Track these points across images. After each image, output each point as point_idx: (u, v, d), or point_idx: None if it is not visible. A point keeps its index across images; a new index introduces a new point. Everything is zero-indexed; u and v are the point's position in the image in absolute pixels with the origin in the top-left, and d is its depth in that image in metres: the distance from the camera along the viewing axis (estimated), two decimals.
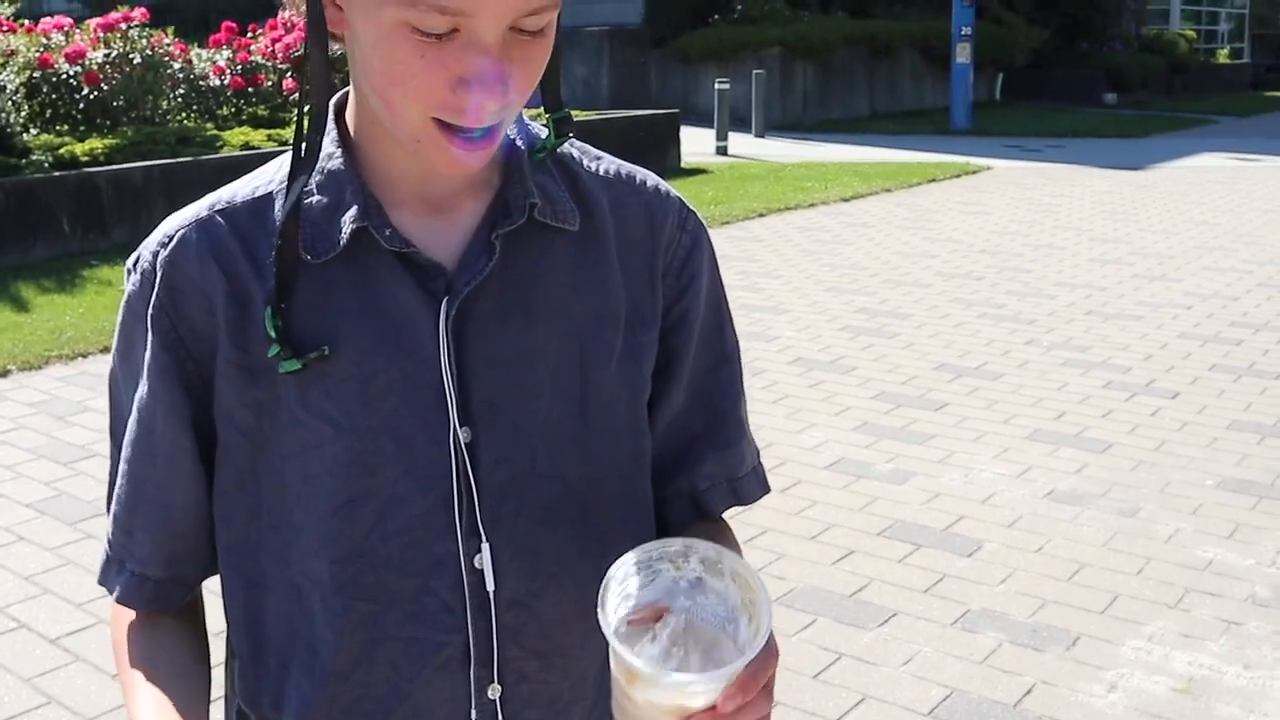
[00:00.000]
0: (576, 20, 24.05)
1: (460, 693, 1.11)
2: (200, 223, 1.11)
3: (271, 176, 1.13)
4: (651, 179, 1.22)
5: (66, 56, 11.13)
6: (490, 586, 1.09)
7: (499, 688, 1.11)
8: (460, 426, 1.08)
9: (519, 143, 1.13)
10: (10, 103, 10.35)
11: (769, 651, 0.96)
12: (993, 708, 3.27)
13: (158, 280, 1.10)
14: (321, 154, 1.09)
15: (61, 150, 10.14)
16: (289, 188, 1.07)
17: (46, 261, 9.14)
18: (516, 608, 1.09)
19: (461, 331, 1.08)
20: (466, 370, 1.08)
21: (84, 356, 6.81)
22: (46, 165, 9.80)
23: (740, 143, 18.06)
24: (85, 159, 10.07)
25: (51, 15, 12.67)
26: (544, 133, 1.14)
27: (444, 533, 1.09)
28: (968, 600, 3.88)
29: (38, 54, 11.17)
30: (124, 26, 11.68)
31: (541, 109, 1.14)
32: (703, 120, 19.05)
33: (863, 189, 13.45)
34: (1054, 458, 5.17)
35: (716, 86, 17.31)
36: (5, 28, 11.64)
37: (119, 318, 1.15)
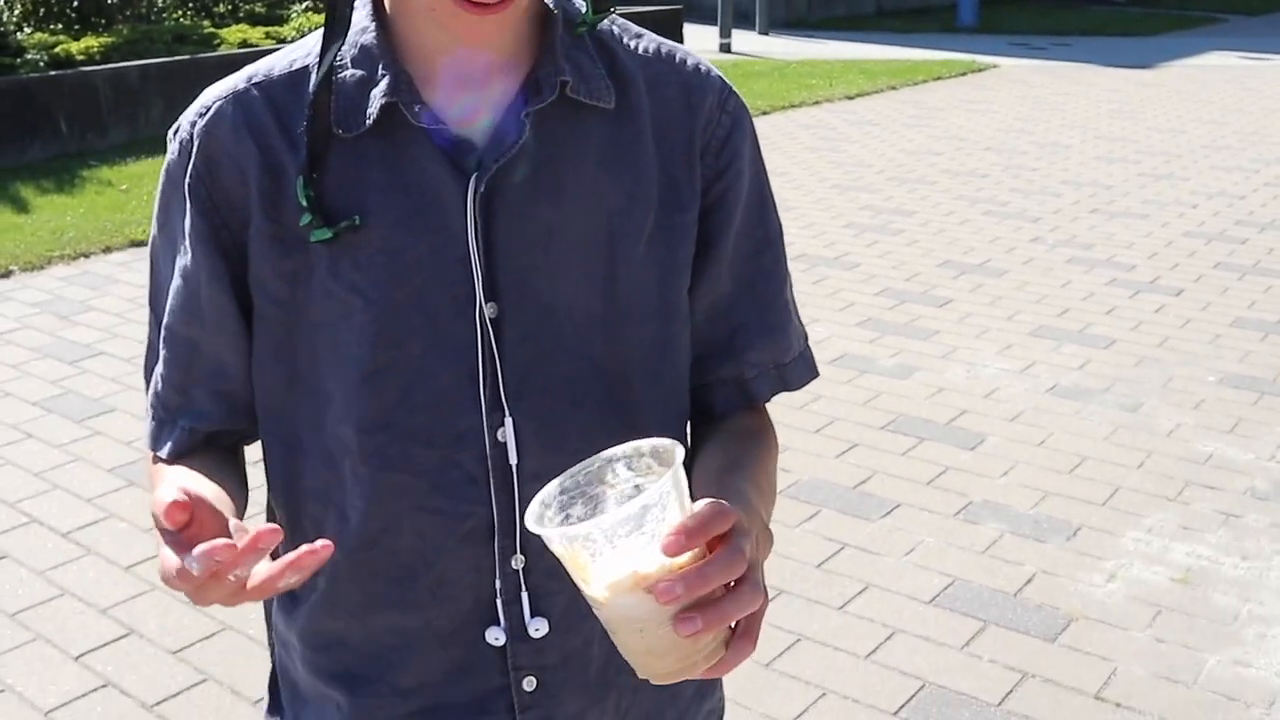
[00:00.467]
0: None
1: (485, 563, 1.12)
2: (237, 95, 1.11)
3: (309, 50, 1.12)
4: (692, 58, 1.18)
5: None
6: (513, 460, 1.10)
7: (522, 558, 1.12)
8: (486, 302, 1.08)
9: (556, 16, 1.11)
10: (3, 1, 10.21)
11: (721, 507, 0.89)
12: (994, 596, 3.31)
13: (194, 150, 1.10)
14: (355, 27, 1.09)
15: (57, 49, 10.02)
16: (320, 60, 1.07)
17: (44, 162, 9.08)
18: (539, 481, 1.08)
19: (490, 208, 1.07)
20: (494, 247, 1.08)
21: (86, 256, 6.80)
22: (42, 65, 9.68)
23: (744, 40, 17.83)
24: (81, 58, 9.95)
25: None
26: (583, 8, 1.12)
27: (469, 406, 1.09)
28: (969, 492, 3.92)
29: None
30: None
31: None
32: (706, 18, 18.78)
33: (868, 87, 13.30)
34: (1057, 353, 5.18)
35: None
36: None
37: (158, 186, 1.16)
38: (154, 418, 1.18)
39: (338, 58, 1.08)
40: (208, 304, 1.12)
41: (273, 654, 1.28)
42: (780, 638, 3.13)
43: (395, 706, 1.17)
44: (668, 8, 15.63)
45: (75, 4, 11.02)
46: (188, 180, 1.11)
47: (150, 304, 1.19)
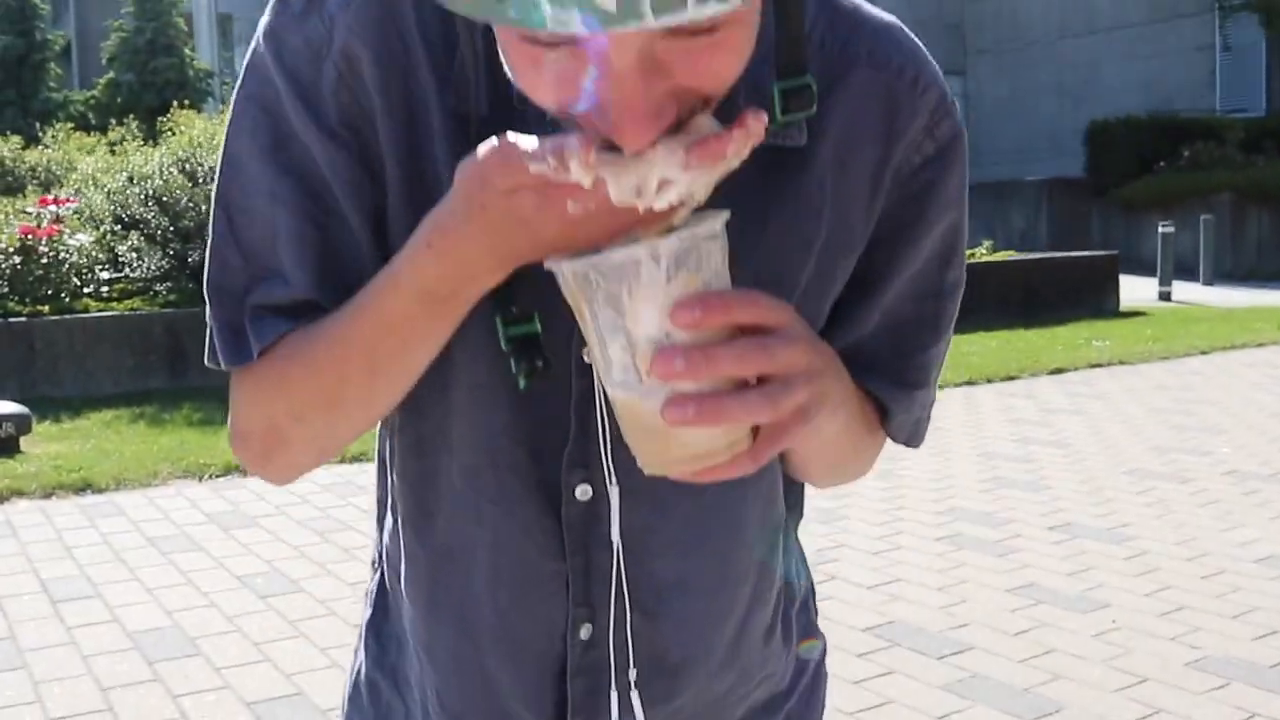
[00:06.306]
0: (1018, 174, 24.11)
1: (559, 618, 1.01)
2: None
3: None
4: (912, 65, 0.93)
5: None
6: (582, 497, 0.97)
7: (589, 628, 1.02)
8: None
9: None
10: None
11: (760, 295, 0.74)
12: None
13: (333, 46, 0.86)
14: None
15: None
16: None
17: None
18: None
19: None
20: None
21: None
22: None
23: (1186, 290, 17.41)
24: None
25: None
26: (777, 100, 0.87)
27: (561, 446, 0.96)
28: None
29: None
30: None
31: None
32: (1146, 270, 18.52)
33: None
34: None
35: (1160, 230, 16.85)
36: None
37: (261, 60, 0.88)
38: (224, 322, 0.92)
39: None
40: (339, 203, 0.89)
41: None
42: None
43: None
44: (1104, 253, 15.62)
45: None
46: (327, 82, 0.86)
47: (220, 199, 0.91)
